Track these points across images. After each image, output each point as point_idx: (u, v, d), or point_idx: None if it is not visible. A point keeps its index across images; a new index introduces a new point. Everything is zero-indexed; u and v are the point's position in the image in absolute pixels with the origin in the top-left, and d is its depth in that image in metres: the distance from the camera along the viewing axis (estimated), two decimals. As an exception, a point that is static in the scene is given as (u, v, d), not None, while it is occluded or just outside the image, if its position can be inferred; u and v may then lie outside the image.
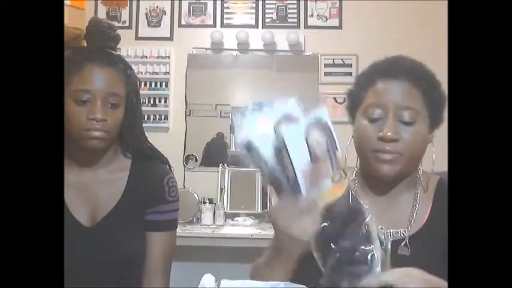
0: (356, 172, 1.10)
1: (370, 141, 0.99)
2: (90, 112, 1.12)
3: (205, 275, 0.87)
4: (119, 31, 1.25)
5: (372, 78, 1.02)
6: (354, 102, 1.05)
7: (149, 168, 1.25)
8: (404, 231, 1.02)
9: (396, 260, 0.90)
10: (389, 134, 0.96)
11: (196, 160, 3.35)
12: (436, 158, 1.08)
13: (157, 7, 3.40)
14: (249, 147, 0.77)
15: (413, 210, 1.04)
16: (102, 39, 1.21)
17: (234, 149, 3.41)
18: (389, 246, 1.00)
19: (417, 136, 0.98)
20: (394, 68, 1.01)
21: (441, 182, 1.07)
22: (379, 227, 1.02)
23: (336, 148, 0.79)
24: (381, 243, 0.80)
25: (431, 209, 1.03)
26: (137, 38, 3.38)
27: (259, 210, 3.13)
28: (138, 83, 1.25)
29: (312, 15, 3.37)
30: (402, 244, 1.00)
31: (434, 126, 1.03)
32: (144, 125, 1.29)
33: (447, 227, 0.97)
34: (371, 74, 1.03)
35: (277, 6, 3.39)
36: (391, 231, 1.02)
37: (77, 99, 1.13)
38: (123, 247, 1.19)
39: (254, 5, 3.39)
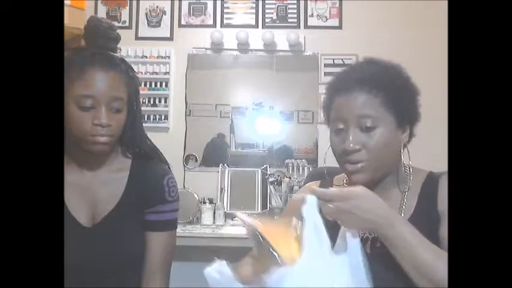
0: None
1: (339, 152, 1.05)
2: (95, 118, 1.11)
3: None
4: (118, 31, 1.23)
5: (331, 96, 1.08)
6: (327, 117, 1.11)
7: (149, 168, 1.25)
8: None
9: (376, 257, 0.93)
10: (350, 145, 1.01)
11: (196, 160, 3.34)
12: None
13: (157, 7, 3.39)
14: None
15: (400, 206, 1.05)
16: (102, 40, 1.19)
17: (234, 149, 3.42)
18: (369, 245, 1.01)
19: (381, 140, 1.01)
20: (346, 82, 1.05)
21: (430, 177, 1.07)
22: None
23: None
24: None
25: (416, 204, 1.04)
26: (137, 38, 3.38)
27: (259, 210, 3.13)
28: (138, 84, 1.25)
29: (312, 15, 3.37)
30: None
31: (404, 127, 1.05)
32: (144, 125, 1.29)
33: (432, 222, 0.99)
34: (329, 93, 1.09)
35: (277, 6, 3.39)
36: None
37: (81, 105, 1.11)
38: (123, 247, 1.19)
39: (254, 5, 3.38)
